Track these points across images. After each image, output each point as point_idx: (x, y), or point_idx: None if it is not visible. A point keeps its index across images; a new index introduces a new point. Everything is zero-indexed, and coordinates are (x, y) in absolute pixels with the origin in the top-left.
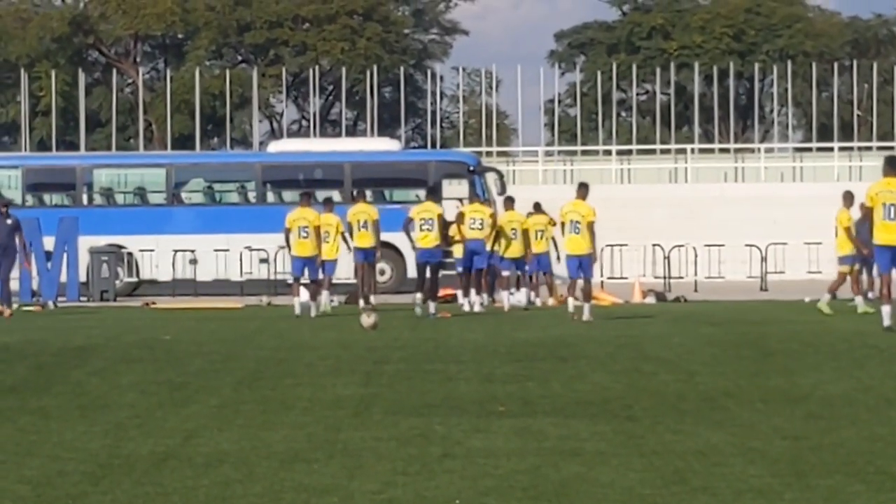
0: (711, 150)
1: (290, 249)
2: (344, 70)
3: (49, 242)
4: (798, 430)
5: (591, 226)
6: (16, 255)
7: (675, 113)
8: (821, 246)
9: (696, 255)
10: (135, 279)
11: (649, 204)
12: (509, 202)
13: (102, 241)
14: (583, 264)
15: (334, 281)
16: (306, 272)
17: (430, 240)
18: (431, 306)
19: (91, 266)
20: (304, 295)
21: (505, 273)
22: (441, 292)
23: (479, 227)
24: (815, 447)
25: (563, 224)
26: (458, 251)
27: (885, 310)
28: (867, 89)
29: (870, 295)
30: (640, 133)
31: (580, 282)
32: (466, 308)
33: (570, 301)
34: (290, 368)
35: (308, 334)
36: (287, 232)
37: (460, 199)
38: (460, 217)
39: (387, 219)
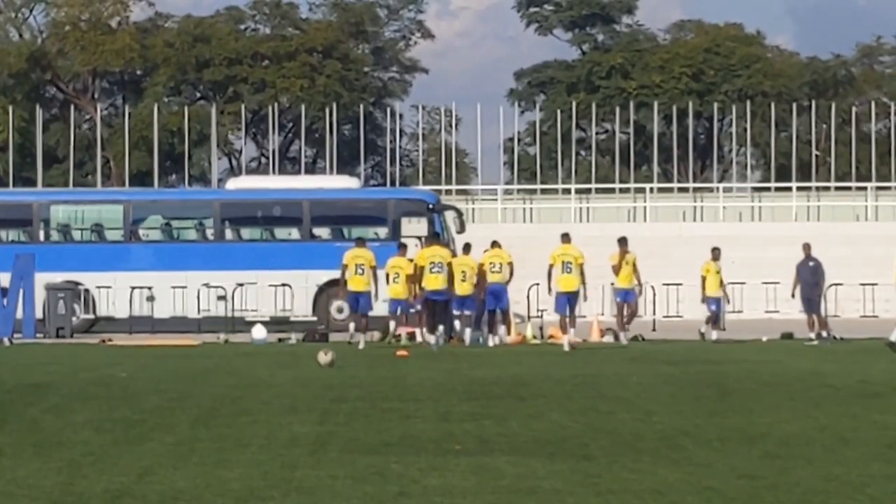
0: (670, 190)
1: (345, 285)
2: (303, 107)
3: (5, 279)
4: (755, 470)
5: (581, 267)
6: None
7: (634, 152)
8: (778, 286)
9: (654, 294)
10: (91, 316)
11: (608, 243)
12: (467, 248)
13: (59, 277)
14: (570, 301)
15: (295, 319)
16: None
17: (438, 281)
18: (431, 338)
19: (47, 303)
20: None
21: (466, 312)
22: (401, 331)
23: (499, 270)
24: (772, 486)
25: (552, 266)
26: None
27: None
28: (826, 130)
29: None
30: (599, 172)
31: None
32: (491, 343)
33: (566, 339)
34: (247, 406)
35: (265, 372)
36: (344, 268)
37: (419, 238)
38: (481, 266)
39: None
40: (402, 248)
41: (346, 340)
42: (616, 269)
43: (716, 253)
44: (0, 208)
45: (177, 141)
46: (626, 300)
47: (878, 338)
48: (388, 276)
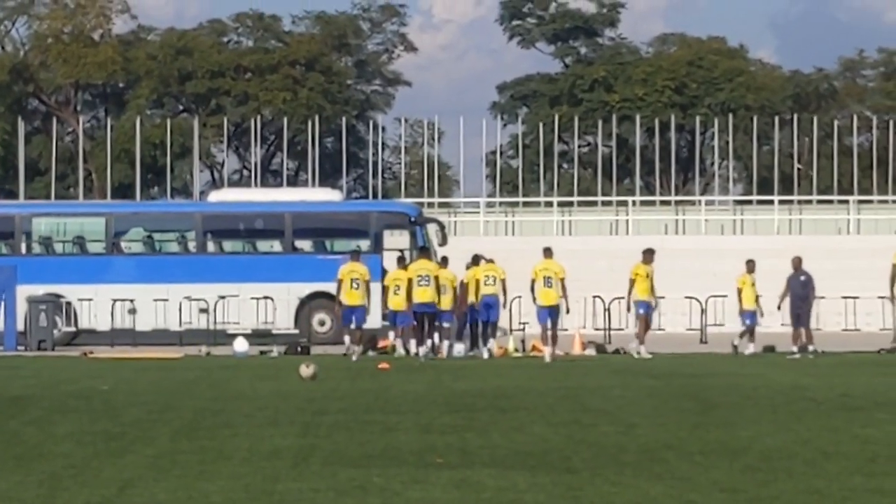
0: (652, 203)
1: (340, 299)
2: (286, 120)
3: None
4: (736, 483)
5: (562, 281)
6: None
7: (617, 165)
8: (761, 299)
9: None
10: (73, 329)
11: (590, 256)
12: (444, 262)
13: (41, 290)
14: (551, 314)
15: (278, 332)
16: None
17: (426, 294)
18: (422, 349)
19: (29, 315)
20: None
21: (445, 325)
22: (380, 343)
23: (493, 283)
24: (753, 500)
25: (534, 281)
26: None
27: None
28: (808, 143)
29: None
30: (581, 185)
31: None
32: (486, 356)
33: (547, 351)
34: (228, 419)
35: (246, 385)
36: (339, 283)
37: (401, 251)
38: (476, 283)
39: (329, 269)
40: (401, 261)
41: (343, 353)
42: (634, 282)
43: (750, 265)
44: None
45: (159, 153)
46: (648, 312)
47: (860, 351)
48: (388, 288)
